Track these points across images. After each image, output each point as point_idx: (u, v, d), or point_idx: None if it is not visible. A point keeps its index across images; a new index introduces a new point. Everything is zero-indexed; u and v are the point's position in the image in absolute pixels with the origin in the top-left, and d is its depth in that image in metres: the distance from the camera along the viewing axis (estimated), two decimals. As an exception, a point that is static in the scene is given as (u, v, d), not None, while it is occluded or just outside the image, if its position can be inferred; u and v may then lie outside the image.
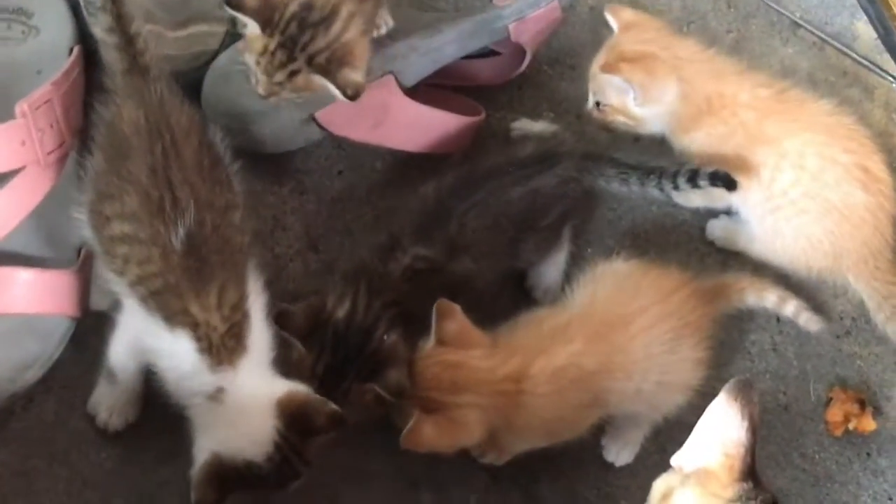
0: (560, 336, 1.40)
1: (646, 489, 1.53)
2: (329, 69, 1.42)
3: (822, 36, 1.91)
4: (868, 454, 1.64)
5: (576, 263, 1.63)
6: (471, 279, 1.50)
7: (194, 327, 1.28)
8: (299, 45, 1.42)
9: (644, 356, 1.42)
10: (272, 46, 1.42)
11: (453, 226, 1.48)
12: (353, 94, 1.41)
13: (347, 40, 1.43)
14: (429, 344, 1.39)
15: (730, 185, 1.53)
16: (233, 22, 1.66)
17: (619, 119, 1.64)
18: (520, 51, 1.71)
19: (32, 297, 1.43)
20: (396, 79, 1.59)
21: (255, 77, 1.45)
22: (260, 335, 1.33)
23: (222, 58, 1.63)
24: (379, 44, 1.56)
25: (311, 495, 1.45)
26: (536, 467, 1.53)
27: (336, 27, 1.42)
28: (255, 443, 1.30)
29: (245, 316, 1.31)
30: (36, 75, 1.54)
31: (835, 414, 1.64)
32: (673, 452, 1.55)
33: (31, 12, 1.58)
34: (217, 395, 1.30)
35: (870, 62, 1.88)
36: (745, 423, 1.17)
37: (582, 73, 1.82)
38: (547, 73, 1.83)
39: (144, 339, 1.33)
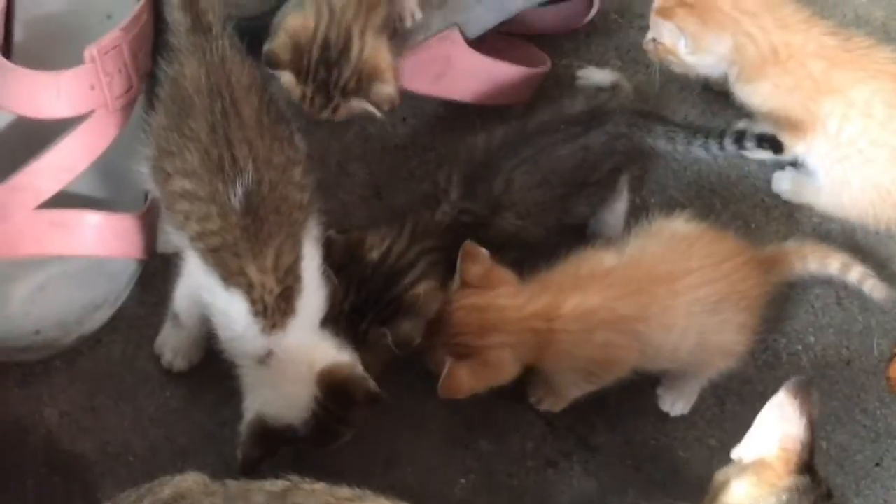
0: (599, 279, 1.41)
1: (703, 440, 1.55)
2: (360, 89, 1.45)
3: (898, -15, 1.87)
4: (930, 411, 1.63)
5: (639, 213, 1.62)
6: (518, 234, 1.51)
7: (249, 289, 1.30)
8: (332, 85, 1.45)
9: (685, 314, 1.42)
10: (309, 93, 1.46)
11: (499, 183, 1.48)
12: (389, 108, 1.45)
13: (368, 57, 1.45)
14: (454, 287, 1.41)
15: (776, 148, 1.52)
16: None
17: (672, 59, 1.62)
18: (589, -2, 1.70)
19: (100, 239, 1.46)
20: (461, 30, 1.58)
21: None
22: (311, 297, 1.35)
23: (285, 13, 1.63)
24: None
25: (367, 440, 1.48)
26: (593, 416, 1.54)
27: (354, 51, 1.44)
28: (294, 408, 1.34)
29: (298, 279, 1.32)
30: (106, 20, 1.56)
31: (897, 371, 1.62)
32: (732, 406, 1.58)
33: (102, -42, 1.60)
34: (265, 359, 1.33)
35: (944, 11, 1.84)
36: (804, 420, 1.18)
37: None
38: (616, 21, 1.81)
39: (202, 295, 1.35)
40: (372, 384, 1.34)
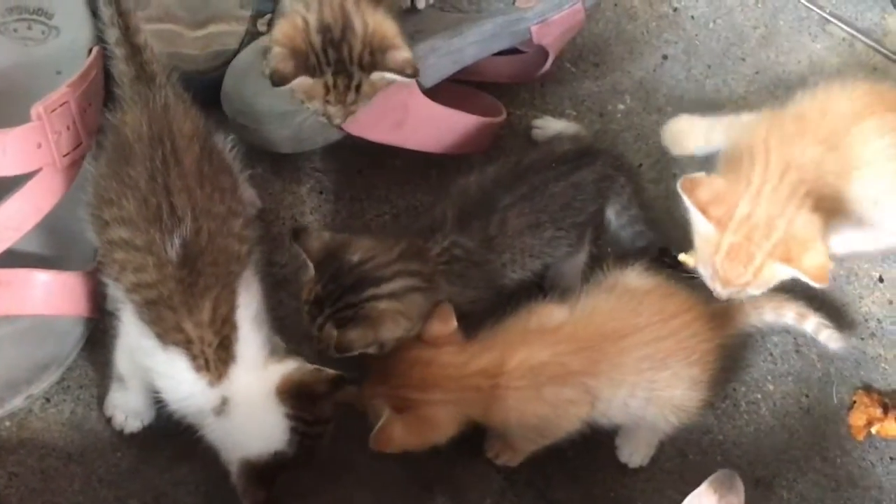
0: (548, 334, 1.41)
1: (662, 492, 1.54)
2: (377, 60, 1.43)
3: (852, 31, 1.88)
4: (891, 458, 1.61)
5: (595, 263, 1.62)
6: (504, 277, 1.50)
7: (188, 345, 1.29)
8: (347, 60, 1.43)
9: (634, 371, 1.42)
10: (330, 80, 1.43)
11: (495, 221, 1.48)
12: (413, 71, 1.43)
13: (374, 28, 1.43)
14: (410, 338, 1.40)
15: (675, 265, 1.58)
16: (253, 21, 1.67)
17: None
18: (543, 50, 1.70)
19: (49, 298, 1.44)
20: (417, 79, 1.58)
21: (324, 115, 1.47)
22: (249, 338, 1.34)
23: (242, 56, 1.64)
24: None
25: (323, 497, 1.46)
26: (552, 470, 1.53)
27: (357, 25, 1.42)
28: (273, 437, 1.33)
29: (234, 327, 1.32)
30: (55, 76, 1.55)
31: (858, 418, 1.61)
32: (692, 457, 1.57)
33: (51, 13, 1.59)
34: (222, 408, 1.32)
35: (900, 58, 1.86)
36: None
37: (605, 71, 1.82)
38: (570, 71, 1.82)
39: (142, 360, 1.34)
40: (326, 371, 1.34)
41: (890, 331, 1.69)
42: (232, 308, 1.31)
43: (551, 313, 1.44)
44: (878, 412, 1.61)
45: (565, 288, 1.60)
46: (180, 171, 1.30)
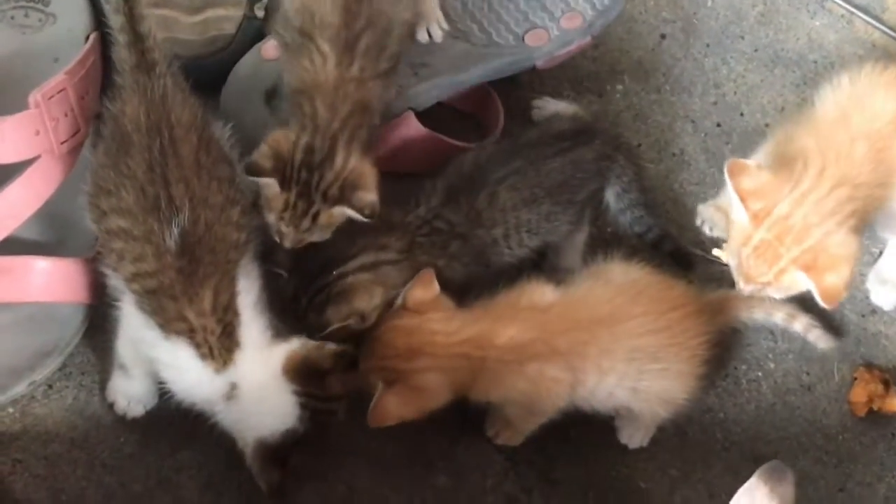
0: (538, 313, 1.40)
1: (664, 470, 1.55)
2: (343, 196, 1.41)
3: (851, 8, 1.87)
4: (893, 434, 1.62)
5: (595, 244, 1.63)
6: (499, 253, 1.51)
7: (191, 334, 1.30)
8: (313, 188, 1.41)
9: (624, 360, 1.42)
10: (292, 199, 1.42)
11: (484, 195, 1.48)
12: (371, 214, 1.41)
13: (354, 167, 1.42)
14: (395, 307, 1.40)
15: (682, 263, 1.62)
16: (250, 5, 1.67)
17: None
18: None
19: (49, 285, 1.45)
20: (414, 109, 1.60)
21: (277, 233, 1.44)
22: (253, 322, 1.34)
23: (246, 62, 1.64)
24: (403, 84, 1.57)
25: (326, 479, 1.47)
26: (553, 449, 1.53)
27: (339, 158, 1.41)
28: (284, 415, 1.35)
29: (236, 313, 1.32)
30: (53, 63, 1.55)
31: (858, 394, 1.61)
32: (693, 435, 1.57)
33: (48, 0, 1.59)
34: (232, 393, 1.33)
35: (899, 34, 1.85)
36: None
37: (603, 52, 1.81)
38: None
39: (146, 352, 1.35)
40: (330, 346, 1.35)
41: (891, 307, 1.69)
42: (233, 295, 1.32)
43: (543, 292, 1.44)
44: (880, 389, 1.61)
45: (566, 267, 1.60)
46: (178, 162, 1.30)
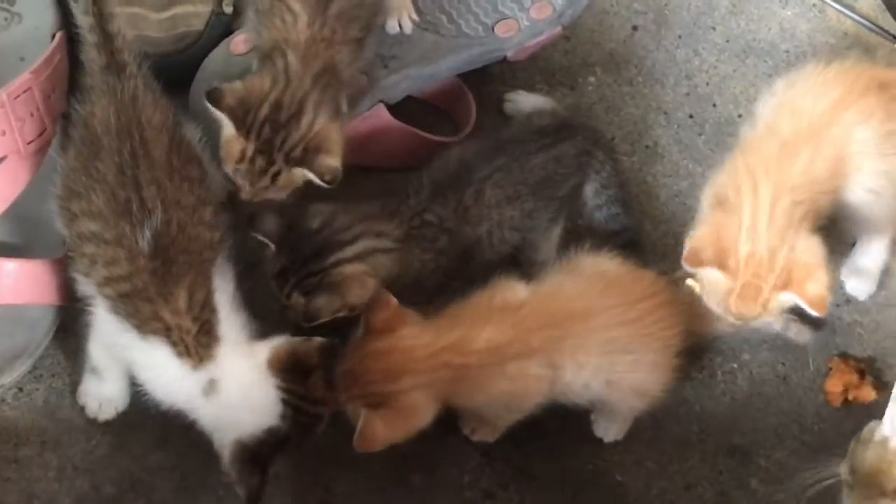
0: (511, 312, 1.39)
1: (641, 463, 1.54)
2: (306, 159, 1.40)
3: (822, -3, 1.87)
4: (868, 424, 1.62)
5: (568, 237, 1.61)
6: (483, 250, 1.50)
7: (167, 332, 1.28)
8: (276, 147, 1.40)
9: (598, 353, 1.41)
10: (250, 152, 1.40)
11: (470, 192, 1.47)
12: (331, 180, 1.40)
13: (319, 129, 1.41)
14: (357, 333, 1.37)
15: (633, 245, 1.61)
16: (218, 2, 1.65)
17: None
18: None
19: (18, 287, 1.43)
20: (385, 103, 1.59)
21: (237, 183, 1.43)
22: (231, 318, 1.33)
23: (215, 57, 1.62)
24: (373, 76, 1.56)
25: (301, 482, 1.46)
26: (530, 444, 1.52)
27: (306, 119, 1.40)
28: (265, 410, 1.32)
29: (213, 310, 1.31)
30: (19, 62, 1.53)
31: (834, 384, 1.61)
32: (669, 427, 1.56)
33: (13, -1, 1.58)
34: (211, 389, 1.31)
35: (870, 23, 1.85)
36: None
37: (575, 44, 1.81)
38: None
39: (122, 354, 1.34)
40: (314, 339, 1.34)
41: (865, 297, 1.69)
42: (209, 292, 1.30)
43: (515, 291, 1.43)
44: (855, 378, 1.61)
45: (541, 261, 1.60)
46: (150, 164, 1.29)
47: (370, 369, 1.34)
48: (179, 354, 1.29)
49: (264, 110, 1.39)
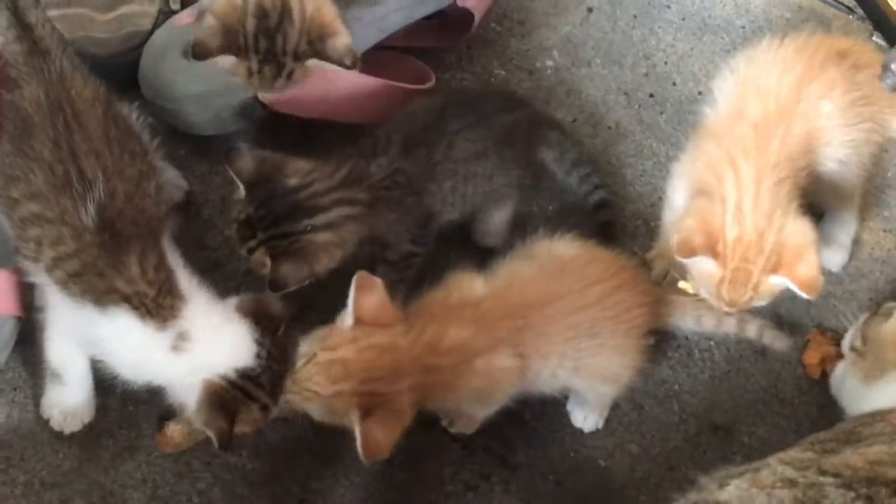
0: (471, 309, 1.35)
1: (623, 447, 1.52)
2: (316, 49, 1.38)
3: (775, -29, 1.87)
4: (848, 395, 1.60)
5: (527, 221, 1.61)
6: (442, 212, 1.48)
7: (126, 300, 1.24)
8: (280, 51, 1.38)
9: (561, 340, 1.38)
10: (255, 67, 1.38)
11: (442, 146, 1.45)
12: (352, 61, 1.37)
13: (313, 15, 1.38)
14: (347, 321, 1.31)
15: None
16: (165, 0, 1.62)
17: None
18: (468, 13, 1.66)
19: (-27, 298, 1.38)
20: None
21: (253, 90, 1.42)
22: (188, 277, 1.29)
23: (158, 35, 1.59)
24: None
25: (281, 480, 1.43)
26: (510, 434, 1.50)
27: (296, 12, 1.38)
28: (240, 348, 1.28)
29: (169, 271, 1.27)
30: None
31: (812, 356, 1.60)
32: (649, 409, 1.54)
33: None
34: (180, 343, 1.26)
35: (824, -6, 1.85)
36: None
37: (531, 28, 1.79)
38: (495, 30, 1.79)
39: (83, 333, 1.29)
40: (275, 303, 1.31)
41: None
42: (161, 256, 1.27)
43: (472, 285, 1.39)
44: (832, 350, 1.59)
45: (492, 234, 1.59)
46: (85, 135, 1.26)
47: (374, 364, 1.29)
48: (142, 317, 1.24)
49: (251, 23, 1.36)
